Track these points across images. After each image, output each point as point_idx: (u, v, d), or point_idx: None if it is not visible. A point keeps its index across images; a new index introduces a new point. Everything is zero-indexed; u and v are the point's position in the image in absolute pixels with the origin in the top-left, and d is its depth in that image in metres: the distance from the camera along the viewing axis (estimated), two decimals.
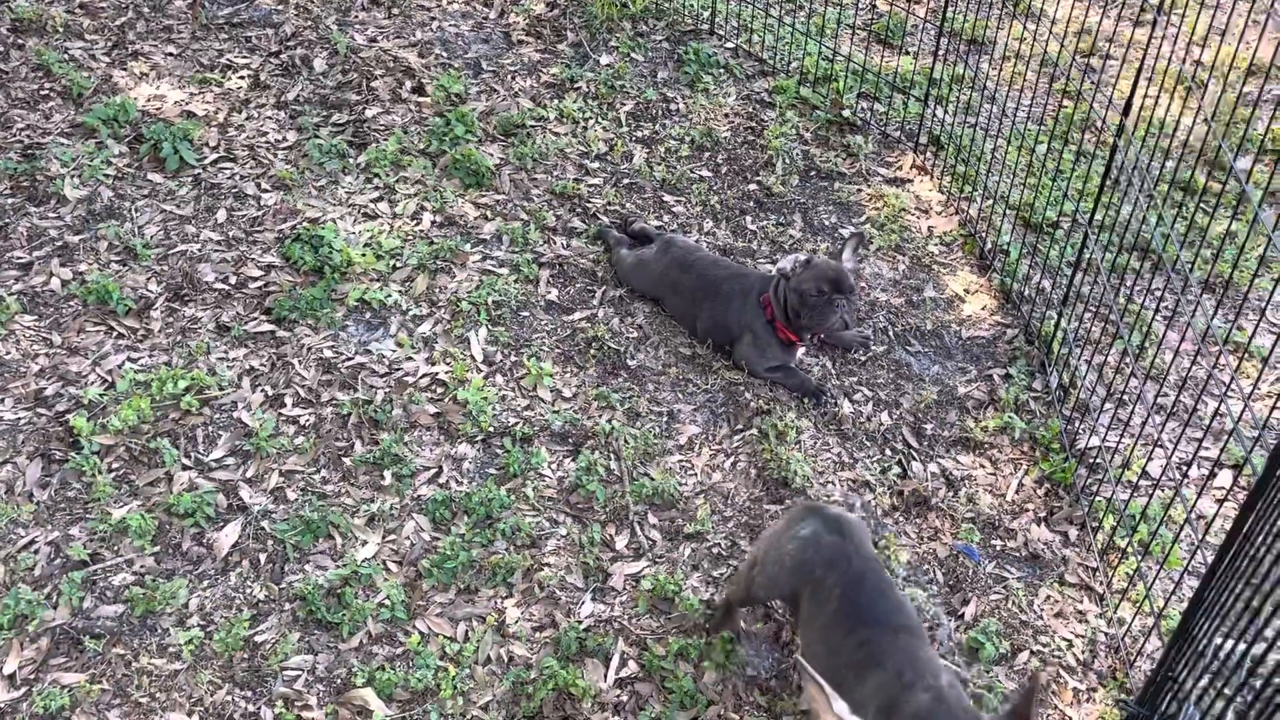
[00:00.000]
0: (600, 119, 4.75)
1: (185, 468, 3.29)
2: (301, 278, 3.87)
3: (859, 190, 4.51)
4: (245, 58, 4.86)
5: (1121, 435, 3.48)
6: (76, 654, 2.87)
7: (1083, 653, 3.02)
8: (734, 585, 2.89)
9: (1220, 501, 3.33)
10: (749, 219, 4.35)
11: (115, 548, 3.09)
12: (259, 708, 2.80)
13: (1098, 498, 3.36)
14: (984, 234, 4.25)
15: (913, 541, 3.29)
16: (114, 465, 3.27)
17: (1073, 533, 3.31)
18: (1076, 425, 3.56)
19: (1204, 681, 2.34)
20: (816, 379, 3.74)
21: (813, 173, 4.59)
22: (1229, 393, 3.64)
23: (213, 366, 3.55)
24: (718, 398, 3.67)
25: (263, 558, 3.11)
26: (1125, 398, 3.61)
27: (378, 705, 2.81)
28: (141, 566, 3.06)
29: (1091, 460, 3.47)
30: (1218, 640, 2.34)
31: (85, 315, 3.69)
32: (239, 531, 3.15)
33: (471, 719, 2.81)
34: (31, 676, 2.81)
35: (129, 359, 3.56)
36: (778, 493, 3.40)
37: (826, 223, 4.36)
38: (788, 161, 4.61)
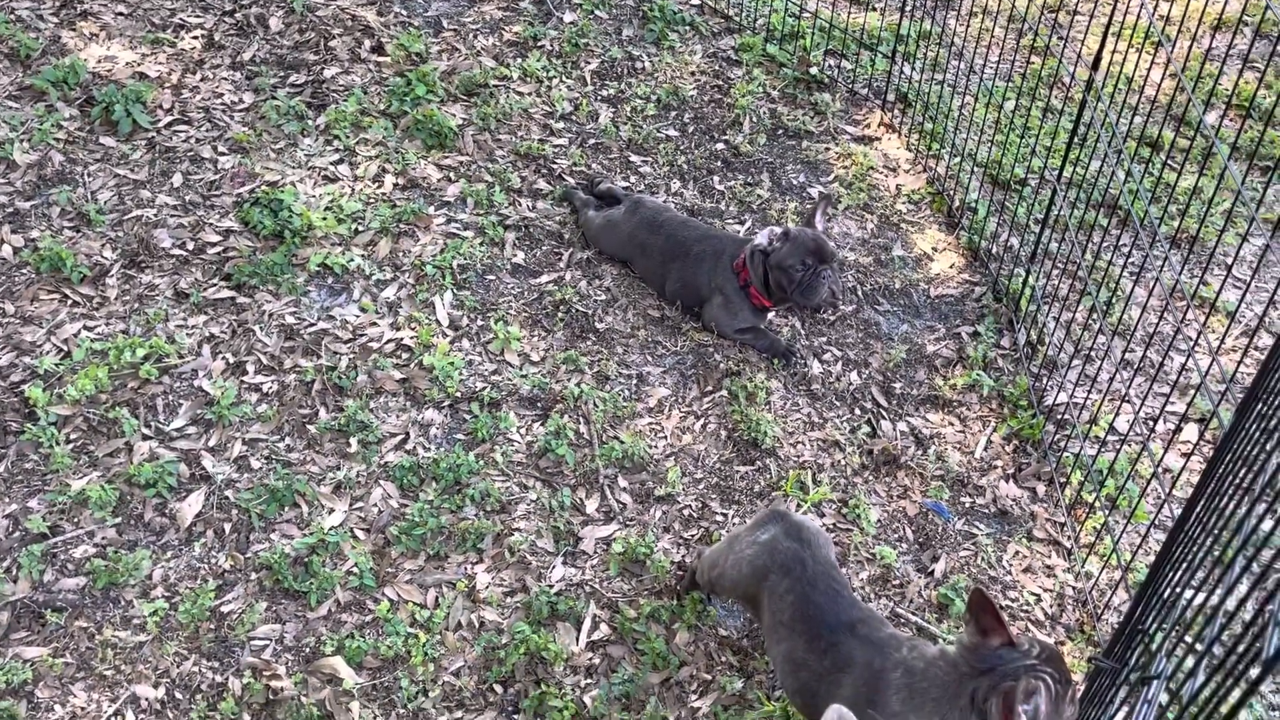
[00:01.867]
0: (565, 78, 4.67)
1: (145, 437, 3.22)
2: (261, 243, 3.79)
3: (827, 149, 4.47)
4: (198, 17, 4.73)
5: (1089, 391, 3.49)
6: (38, 628, 2.82)
7: (1051, 607, 3.05)
8: (697, 572, 2.87)
9: (1187, 456, 3.36)
10: (716, 179, 4.30)
11: (75, 520, 3.03)
12: (226, 678, 2.77)
13: (1065, 453, 3.37)
14: (952, 192, 4.23)
15: (882, 500, 3.29)
16: (72, 436, 3.21)
17: (1041, 489, 3.33)
18: (1044, 382, 3.57)
19: (1173, 635, 2.36)
20: (786, 340, 3.72)
21: (780, 132, 4.54)
22: (1196, 347, 3.66)
23: (171, 334, 3.48)
24: (687, 360, 3.65)
25: (227, 527, 3.06)
26: (1093, 354, 3.62)
27: (348, 673, 2.79)
28: (103, 538, 3.00)
29: (1059, 416, 3.48)
30: (1187, 594, 2.35)
31: (38, 283, 3.60)
32: (202, 501, 3.10)
33: (443, 685, 2.80)
34: None
35: (85, 327, 3.48)
36: (748, 454, 3.39)
37: (795, 182, 4.32)
38: (755, 120, 4.56)
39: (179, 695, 2.73)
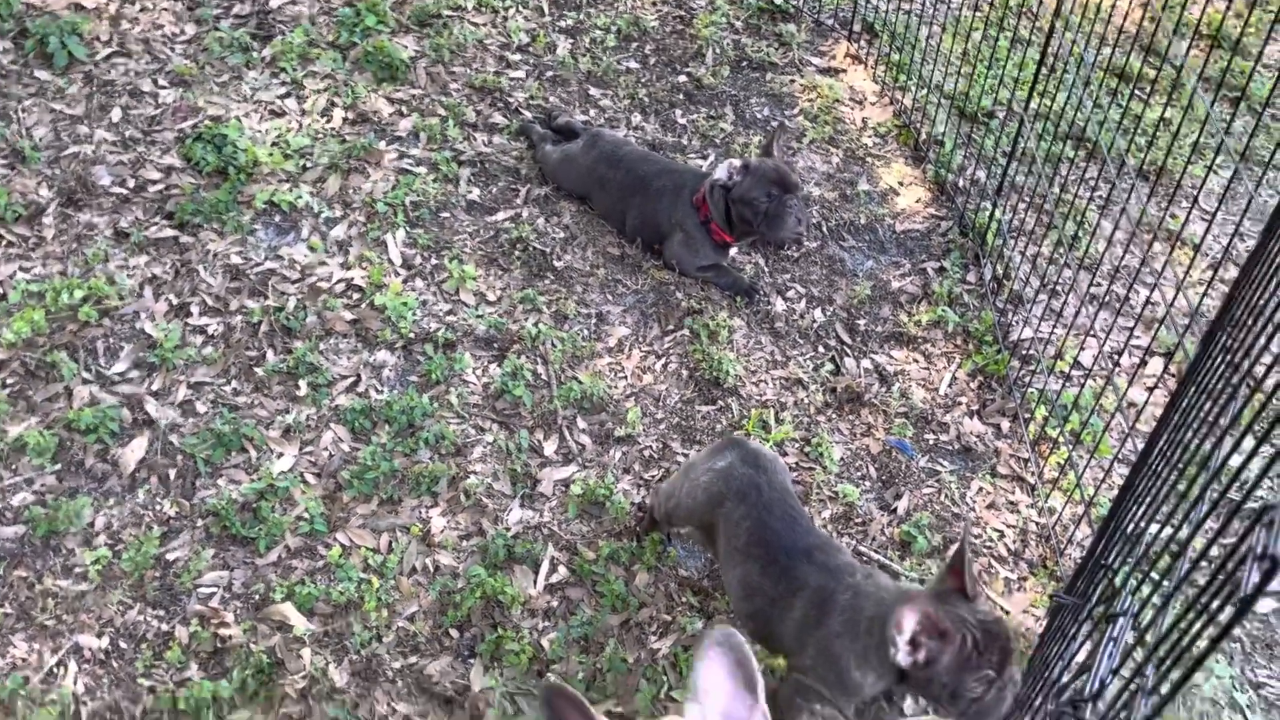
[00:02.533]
0: (521, 8, 4.51)
1: (86, 382, 3.11)
2: (204, 180, 3.65)
3: (791, 81, 4.35)
4: None
5: (1054, 326, 3.44)
6: None
7: (1014, 543, 3.02)
8: (654, 506, 2.83)
9: (1151, 389, 3.32)
10: (679, 112, 4.18)
11: (13, 466, 2.92)
12: (173, 626, 2.69)
13: (1030, 389, 3.33)
14: (919, 125, 4.14)
15: (845, 438, 3.24)
16: (8, 381, 3.09)
17: (1005, 425, 3.29)
18: (1010, 317, 3.51)
19: (1138, 571, 2.33)
20: (749, 277, 3.64)
21: (744, 63, 4.42)
22: (1161, 281, 3.61)
23: (111, 275, 3.35)
24: (648, 298, 3.56)
25: (172, 473, 2.97)
26: (1058, 288, 3.56)
27: (299, 620, 2.72)
28: (42, 485, 2.90)
29: (1024, 352, 3.43)
30: (1151, 529, 2.32)
31: None
32: (146, 447, 3.00)
33: (397, 630, 2.74)
34: None
35: (20, 269, 3.34)
36: (710, 393, 3.32)
37: (759, 115, 4.21)
38: (718, 52, 4.43)
39: (124, 644, 2.66)
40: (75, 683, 2.59)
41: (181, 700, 2.56)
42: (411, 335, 3.33)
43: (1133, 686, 1.11)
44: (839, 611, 2.30)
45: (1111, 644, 1.26)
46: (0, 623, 2.66)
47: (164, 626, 2.69)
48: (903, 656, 2.10)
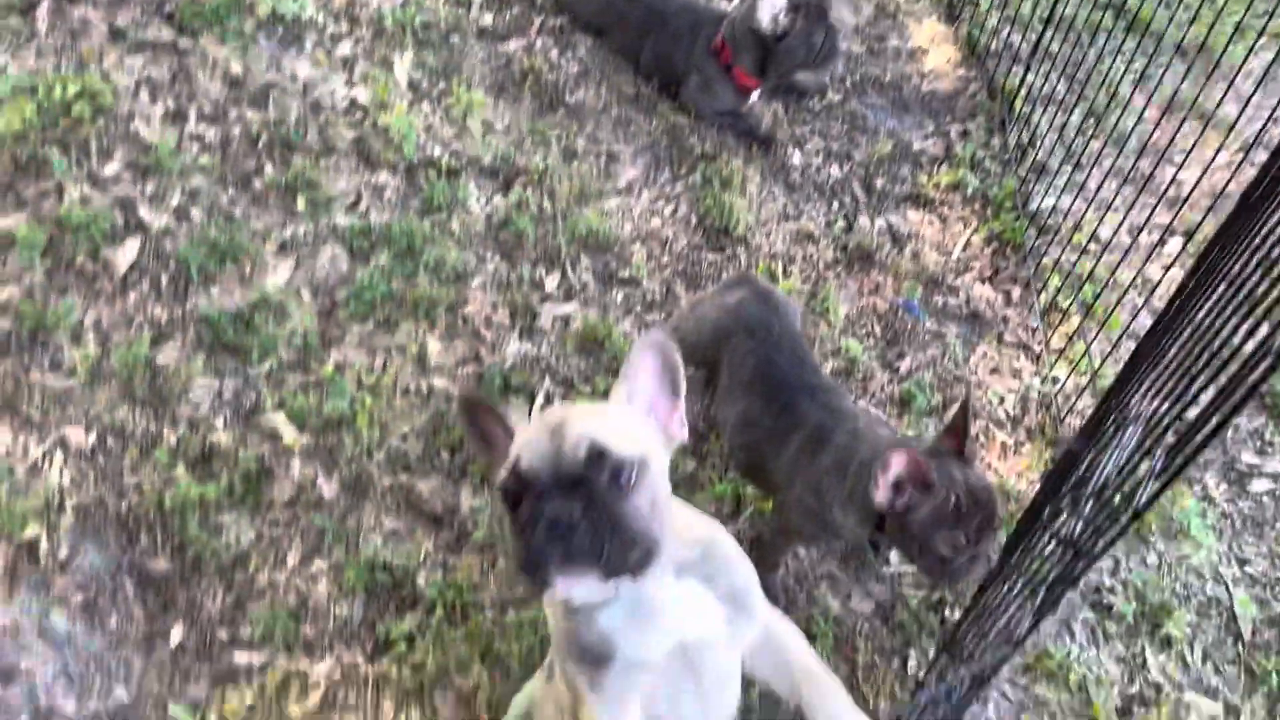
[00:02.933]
0: None
1: (77, 180, 3.01)
2: None
3: None
4: None
5: (1076, 198, 3.35)
6: None
7: (1014, 408, 2.99)
8: None
9: (1167, 268, 3.25)
10: None
11: (2, 260, 2.85)
12: (161, 428, 2.66)
13: (1045, 258, 3.26)
14: None
15: (853, 295, 3.18)
16: None
17: (1016, 292, 3.22)
18: (1031, 186, 3.42)
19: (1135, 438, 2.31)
20: (767, 126, 3.52)
21: None
22: (1189, 161, 3.50)
23: (106, 73, 3.21)
24: (661, 140, 3.45)
25: (164, 279, 2.90)
26: (1083, 160, 3.45)
27: (289, 431, 2.69)
28: (30, 281, 2.83)
29: (1043, 222, 3.35)
30: (1154, 403, 2.28)
31: None
32: (138, 250, 2.92)
33: (388, 448, 2.71)
34: None
35: (12, 59, 3.20)
36: (718, 241, 3.24)
37: None
38: None
39: (111, 442, 2.63)
40: (61, 475, 2.56)
41: (168, 499, 2.54)
42: (415, 159, 3.23)
43: (1138, 474, 1.07)
44: (833, 450, 2.27)
45: (1118, 449, 1.22)
46: None
47: (152, 427, 2.66)
48: (882, 497, 2.06)
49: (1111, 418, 1.56)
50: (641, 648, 1.38)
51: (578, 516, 1.26)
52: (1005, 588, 1.40)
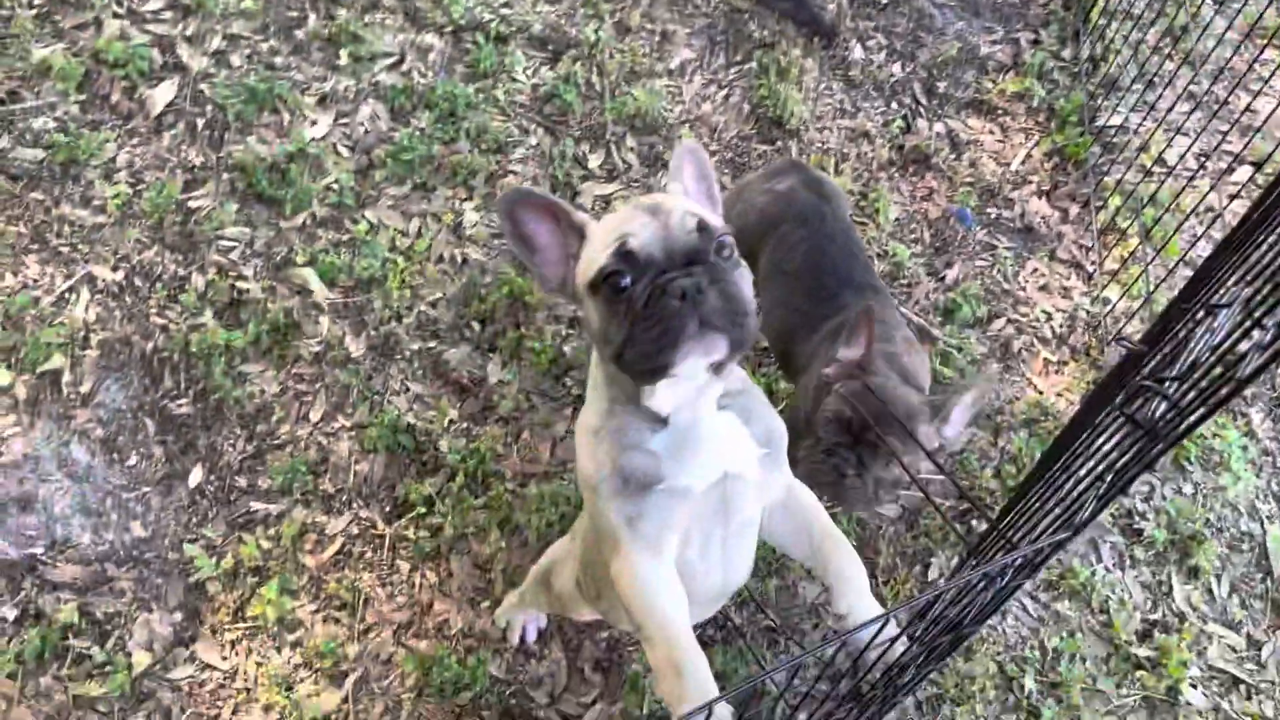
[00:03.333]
0: None
1: (116, 15, 2.92)
2: None
3: None
4: None
5: (1145, 118, 3.21)
6: None
7: (1061, 326, 2.90)
8: None
9: (1233, 196, 3.13)
10: None
11: (36, 89, 2.77)
12: (190, 272, 2.61)
13: (1107, 177, 3.13)
14: None
15: (904, 199, 3.07)
16: (36, 1, 2.89)
17: (1073, 210, 3.11)
18: (1099, 101, 3.27)
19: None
20: (830, 17, 3.37)
21: None
22: (1266, 89, 3.35)
23: None
24: (719, 24, 3.31)
25: (200, 123, 2.82)
26: (1157, 80, 3.30)
27: (319, 287, 2.64)
28: (65, 113, 2.76)
29: (1108, 139, 3.22)
30: (1253, 286, 2.19)
31: None
32: (175, 91, 2.84)
33: (418, 314, 2.65)
34: None
35: None
36: (769, 133, 3.12)
37: None
38: None
39: (138, 282, 2.58)
40: (86, 310, 2.52)
41: (194, 344, 2.50)
42: (463, 22, 3.11)
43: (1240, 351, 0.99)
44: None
45: (1209, 334, 1.14)
46: (14, 241, 2.57)
47: (181, 271, 2.61)
48: (847, 352, 2.04)
49: (1196, 305, 1.48)
50: (685, 475, 1.35)
51: (706, 285, 1.24)
52: (1050, 485, 1.34)
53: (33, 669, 2.16)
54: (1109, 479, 1.17)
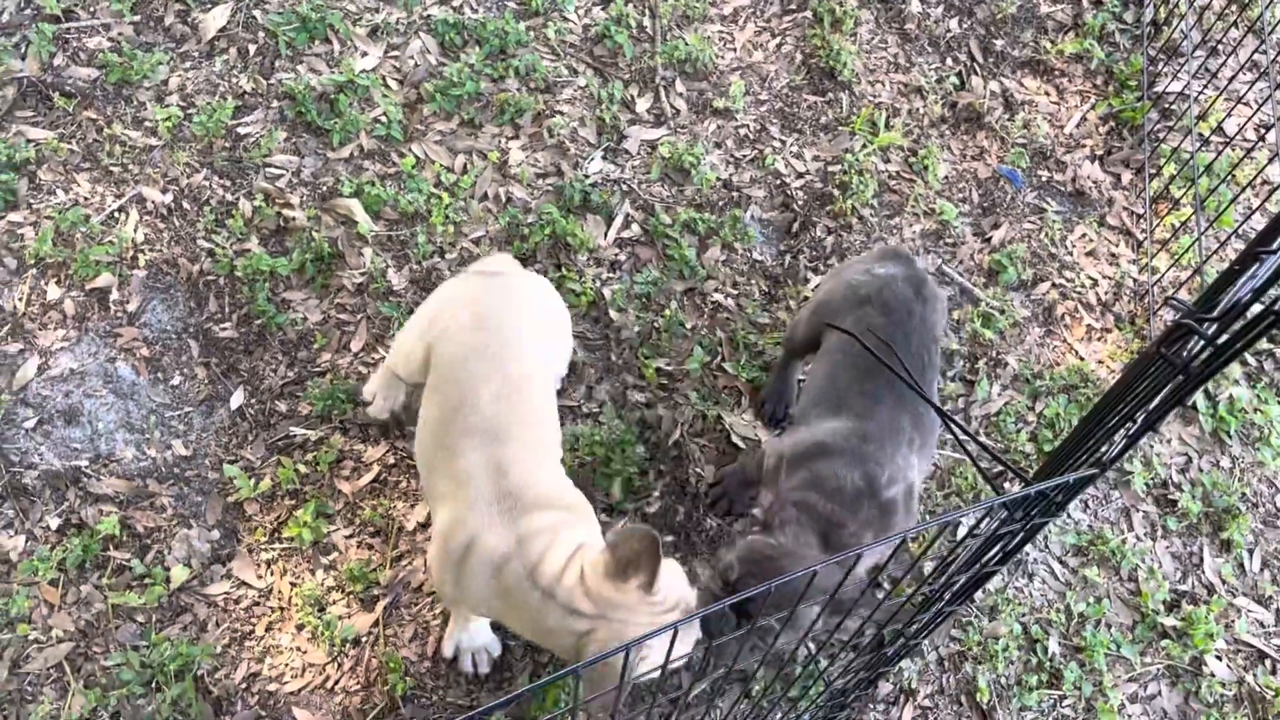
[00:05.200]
0: None
1: None
2: None
3: None
4: None
5: (1206, 85, 3.15)
6: (45, 110, 2.65)
7: (1106, 294, 2.87)
8: (792, 329, 2.45)
9: None
10: None
11: (91, 8, 2.78)
12: (237, 198, 2.63)
13: (1163, 145, 3.08)
14: None
15: (954, 158, 3.03)
16: None
17: (1126, 176, 3.06)
18: (1160, 67, 3.20)
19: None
20: None
21: None
22: None
23: None
24: None
25: (252, 49, 2.82)
26: (1221, 47, 3.23)
27: (363, 218, 2.65)
28: (119, 33, 2.77)
29: (1166, 106, 3.15)
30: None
31: None
32: (228, 16, 2.85)
33: (460, 249, 2.66)
34: None
35: None
36: (821, 84, 3.09)
37: None
38: None
39: (186, 205, 2.60)
40: (135, 231, 2.55)
41: (240, 268, 2.52)
42: None
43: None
44: (821, 462, 1.97)
45: (1252, 279, 1.13)
46: (66, 158, 2.60)
47: (228, 196, 2.63)
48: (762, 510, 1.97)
49: (1242, 256, 1.46)
50: None
51: None
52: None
53: (74, 577, 2.22)
54: (1140, 419, 1.17)
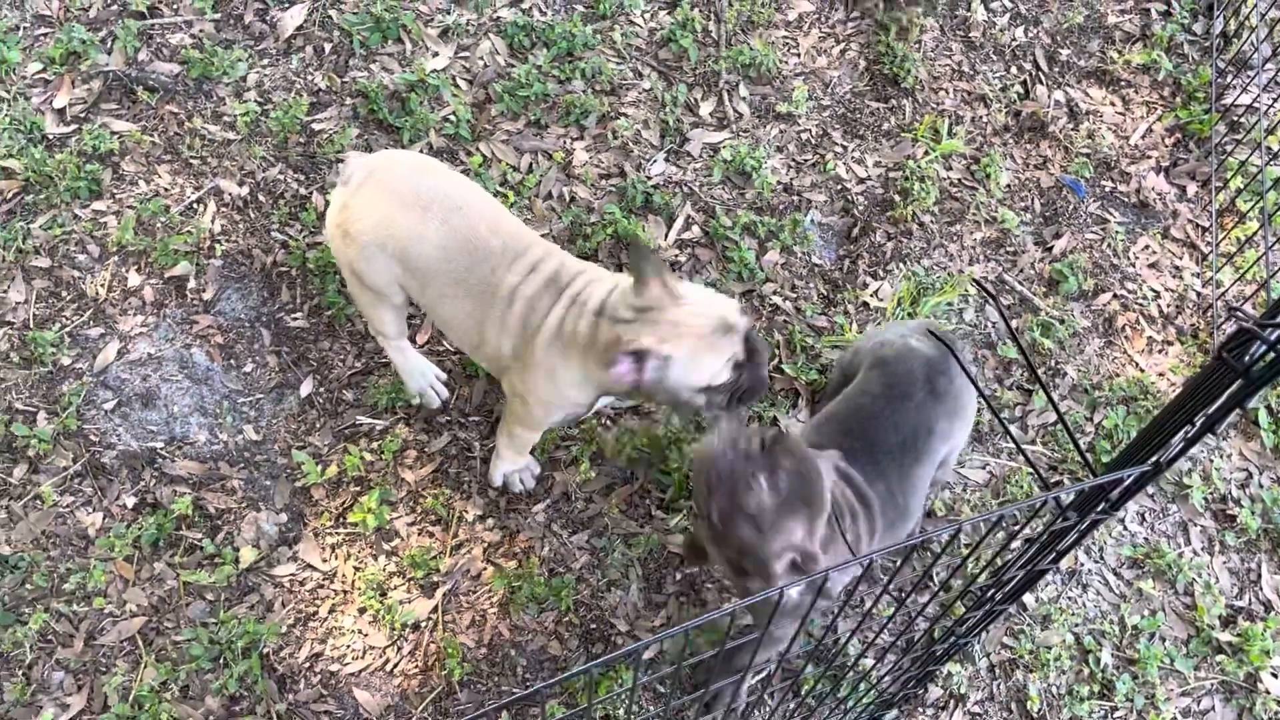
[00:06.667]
0: None
1: None
2: None
3: None
4: None
5: (1276, 98, 3.11)
6: (129, 103, 2.74)
7: (1169, 306, 2.85)
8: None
9: None
10: None
11: (174, 5, 2.88)
12: (310, 192, 2.70)
13: (1231, 158, 3.05)
14: None
15: (1017, 166, 3.03)
16: None
17: (1192, 188, 3.03)
18: (1229, 79, 3.17)
19: None
20: None
21: None
22: None
23: None
24: None
25: (328, 47, 2.90)
26: None
27: None
28: (201, 30, 2.86)
29: (1235, 118, 3.12)
30: None
31: None
32: (305, 15, 2.93)
33: None
34: (82, 115, 2.70)
35: None
36: (884, 90, 3.10)
37: None
38: None
39: (262, 198, 2.68)
40: (212, 221, 2.63)
41: (312, 260, 2.60)
42: None
43: None
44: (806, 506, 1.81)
45: None
46: (148, 150, 2.69)
47: (302, 190, 2.70)
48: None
49: None
50: None
51: None
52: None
53: (148, 554, 2.30)
54: (1199, 422, 1.19)
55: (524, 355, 2.08)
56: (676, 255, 2.77)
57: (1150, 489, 2.61)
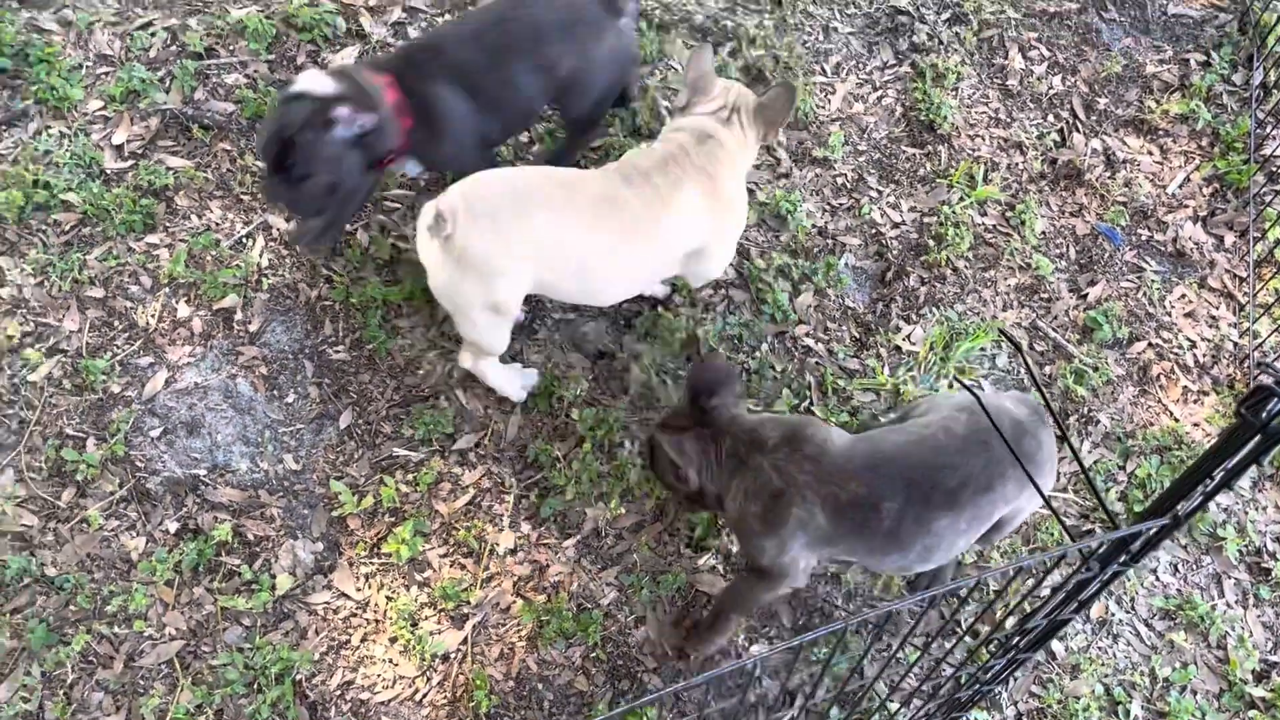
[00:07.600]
0: None
1: None
2: None
3: None
4: None
5: None
6: (184, 140, 2.84)
7: (1205, 356, 2.84)
8: None
9: None
10: None
11: (231, 47, 2.98)
12: (355, 229, 2.77)
13: (1269, 208, 3.04)
14: None
15: (1052, 214, 3.04)
16: None
17: (1229, 238, 3.03)
18: (1269, 129, 3.17)
19: None
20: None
21: None
22: None
23: None
24: (879, 23, 3.32)
25: None
26: None
27: None
28: (255, 71, 2.96)
29: (1274, 169, 3.12)
30: None
31: None
32: (354, 57, 3.02)
33: None
34: (139, 151, 2.80)
35: None
36: (920, 136, 3.13)
37: None
38: None
39: None
40: (261, 256, 2.72)
41: (354, 296, 2.67)
42: None
43: None
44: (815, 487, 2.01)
45: None
46: (201, 186, 2.78)
47: (347, 226, 2.78)
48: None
49: None
50: None
51: None
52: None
53: (188, 579, 2.36)
54: (1218, 475, 1.20)
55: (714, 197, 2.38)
56: (710, 296, 2.81)
57: (1184, 540, 2.59)
